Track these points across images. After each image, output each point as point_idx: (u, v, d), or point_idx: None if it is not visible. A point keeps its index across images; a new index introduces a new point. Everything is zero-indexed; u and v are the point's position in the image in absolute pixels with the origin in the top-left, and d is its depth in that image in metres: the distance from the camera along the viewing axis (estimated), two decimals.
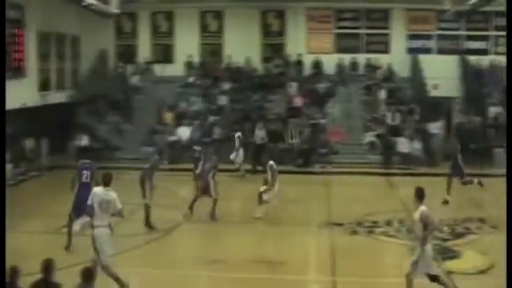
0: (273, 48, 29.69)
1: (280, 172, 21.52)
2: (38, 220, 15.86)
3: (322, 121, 25.02)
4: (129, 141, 24.74)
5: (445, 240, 13.46)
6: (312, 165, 23.29)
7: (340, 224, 15.04)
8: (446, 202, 17.04)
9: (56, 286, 7.91)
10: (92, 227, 10.59)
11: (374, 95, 26.60)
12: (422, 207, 9.54)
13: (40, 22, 24.74)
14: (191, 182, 17.98)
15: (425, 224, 9.42)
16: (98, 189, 10.82)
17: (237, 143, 21.91)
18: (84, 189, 12.49)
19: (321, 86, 27.04)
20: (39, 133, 22.76)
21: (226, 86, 27.40)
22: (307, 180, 21.53)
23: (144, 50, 30.15)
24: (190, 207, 15.76)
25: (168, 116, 25.53)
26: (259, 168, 20.16)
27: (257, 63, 29.10)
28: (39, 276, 7.90)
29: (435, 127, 24.12)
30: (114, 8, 26.32)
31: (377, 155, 23.65)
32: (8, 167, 21.24)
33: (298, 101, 26.28)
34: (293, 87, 27.04)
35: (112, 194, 10.71)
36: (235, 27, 29.38)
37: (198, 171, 17.47)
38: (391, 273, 11.57)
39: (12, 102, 22.19)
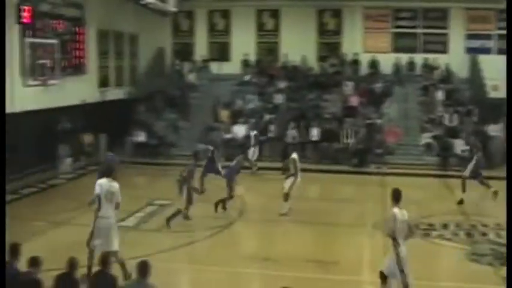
0: (329, 47, 29.57)
1: (335, 172, 21.60)
2: (92, 213, 16.11)
3: (378, 121, 24.77)
4: (184, 138, 25.02)
5: (503, 245, 13.14)
6: (367, 166, 23.07)
7: None
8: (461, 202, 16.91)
9: (112, 278, 8.07)
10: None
11: (431, 95, 26.21)
12: (395, 210, 9.44)
13: (99, 20, 25.23)
14: (246, 179, 18.05)
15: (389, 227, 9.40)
16: (102, 181, 10.92)
17: (253, 140, 21.98)
18: None
19: (378, 86, 26.80)
20: (97, 129, 23.22)
21: (282, 84, 27.41)
22: (362, 180, 21.32)
23: (200, 48, 30.44)
24: (223, 206, 15.91)
25: (224, 114, 25.68)
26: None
27: (313, 62, 29.07)
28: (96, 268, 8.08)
29: (494, 129, 23.59)
30: (171, 6, 26.64)
31: (433, 156, 23.28)
32: (67, 161, 21.82)
33: (354, 101, 26.10)
34: (349, 87, 26.87)
35: (115, 185, 10.90)
36: (291, 25, 29.39)
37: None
38: (445, 277, 11.39)
39: (73, 98, 22.79)
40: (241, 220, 15.74)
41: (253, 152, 22.01)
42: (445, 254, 13.37)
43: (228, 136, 24.56)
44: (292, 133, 23.97)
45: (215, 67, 29.50)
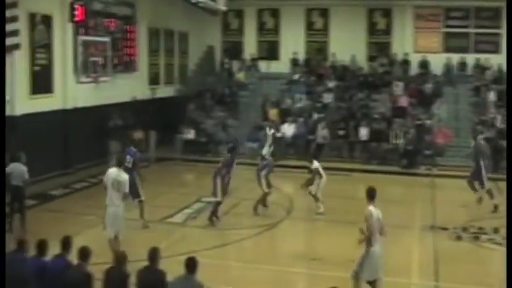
0: (379, 46, 29.29)
1: (384, 172, 21.39)
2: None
3: (428, 122, 24.42)
4: (233, 136, 25.13)
5: None
6: (416, 167, 22.76)
7: (445, 229, 14.64)
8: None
9: (161, 273, 8.15)
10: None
11: (483, 96, 25.71)
12: (370, 208, 9.47)
13: (150, 18, 25.57)
14: (295, 178, 18.02)
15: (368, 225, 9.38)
16: (111, 170, 11.61)
17: (270, 139, 21.66)
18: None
19: (428, 86, 26.42)
20: (147, 126, 23.50)
21: (331, 84, 27.29)
22: (411, 181, 21.05)
23: (249, 46, 30.52)
24: (264, 204, 16.08)
25: (273, 113, 25.68)
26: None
27: (362, 62, 28.82)
28: (145, 263, 8.18)
29: None
30: (221, 5, 26.77)
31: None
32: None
33: (403, 101, 25.79)
34: (399, 87, 26.56)
35: (124, 176, 11.46)
36: (340, 25, 29.23)
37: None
38: (495, 282, 11.15)
39: (123, 95, 23.13)
40: (289, 219, 15.75)
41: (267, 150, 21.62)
42: (495, 259, 13.10)
43: (277, 135, 24.49)
44: (323, 133, 23.87)
45: (264, 66, 29.55)
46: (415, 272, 12.32)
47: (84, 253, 8.25)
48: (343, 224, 15.22)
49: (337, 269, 11.72)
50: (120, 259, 8.33)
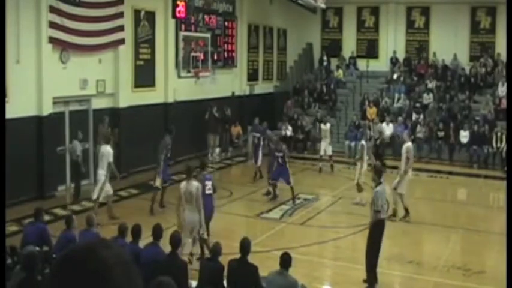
0: (482, 46, 28.28)
1: (486, 177, 20.69)
2: (239, 203, 16.57)
3: None
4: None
5: None
6: None
7: None
8: None
9: (252, 266, 8.24)
10: None
11: None
12: None
13: (250, 15, 25.79)
14: (392, 177, 17.76)
15: None
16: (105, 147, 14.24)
17: (328, 138, 21.21)
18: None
19: None
20: (245, 121, 23.76)
21: (431, 84, 26.65)
22: None
23: (348, 44, 30.24)
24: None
25: (371, 111, 25.37)
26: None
27: (464, 62, 27.93)
28: (237, 255, 8.30)
29: None
30: (320, 2, 26.67)
31: None
32: (216, 151, 22.59)
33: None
34: (502, 88, 25.58)
35: (107, 149, 14.06)
36: (442, 23, 28.41)
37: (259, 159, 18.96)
38: None
39: (222, 90, 23.50)
40: (387, 220, 15.46)
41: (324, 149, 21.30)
42: None
43: (376, 134, 24.20)
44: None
45: (362, 64, 29.22)
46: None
47: (175, 242, 8.49)
48: (440, 227, 14.88)
49: (432, 274, 11.53)
50: (216, 251, 8.49)
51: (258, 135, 19.67)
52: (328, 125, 21.53)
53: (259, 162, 19.00)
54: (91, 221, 9.79)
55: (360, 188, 15.80)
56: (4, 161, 13.19)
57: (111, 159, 14.09)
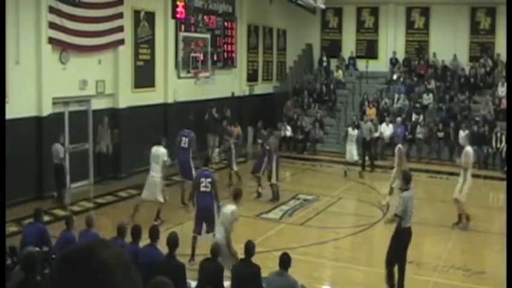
0: (482, 46, 28.28)
1: (485, 177, 20.68)
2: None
3: None
4: (330, 134, 25.07)
5: None
6: None
7: None
8: None
9: (256, 267, 8.25)
10: None
11: None
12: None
13: (249, 16, 25.80)
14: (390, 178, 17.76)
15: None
16: (152, 148, 14.19)
17: (354, 143, 20.85)
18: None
19: None
20: (244, 121, 23.74)
21: (431, 84, 26.65)
22: None
23: (348, 45, 30.26)
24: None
25: (371, 112, 25.37)
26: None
27: (464, 62, 27.93)
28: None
29: None
30: (320, 3, 26.66)
31: None
32: (216, 151, 22.56)
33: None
34: (502, 89, 25.59)
35: (161, 150, 14.12)
36: (442, 24, 28.45)
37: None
38: None
39: (222, 91, 23.50)
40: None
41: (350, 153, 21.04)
42: None
43: (375, 134, 24.19)
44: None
45: (362, 64, 29.22)
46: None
47: (173, 243, 8.48)
48: (439, 227, 14.88)
49: (432, 274, 11.51)
50: (215, 252, 8.50)
51: (261, 141, 18.68)
52: (356, 131, 20.97)
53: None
54: (91, 221, 9.79)
55: (391, 192, 15.80)
56: (4, 161, 13.18)
57: (166, 158, 14.15)
